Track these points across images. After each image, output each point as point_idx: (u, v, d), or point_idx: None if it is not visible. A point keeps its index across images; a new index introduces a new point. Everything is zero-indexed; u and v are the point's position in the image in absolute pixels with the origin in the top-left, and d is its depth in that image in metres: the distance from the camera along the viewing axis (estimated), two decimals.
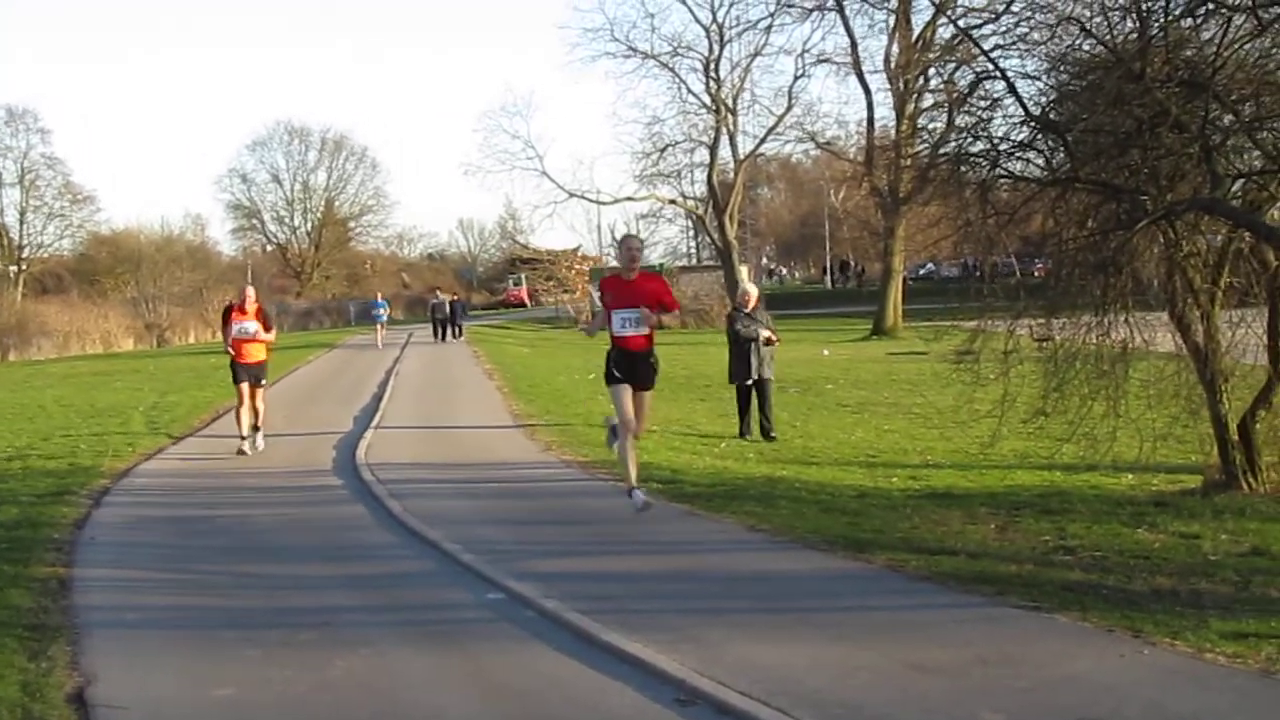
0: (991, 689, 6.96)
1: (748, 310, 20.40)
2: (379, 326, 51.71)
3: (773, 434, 19.81)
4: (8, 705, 7.27)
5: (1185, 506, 12.15)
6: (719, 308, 60.83)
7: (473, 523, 12.92)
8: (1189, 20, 11.95)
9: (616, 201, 70.27)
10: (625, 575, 10.41)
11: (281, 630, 8.85)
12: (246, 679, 7.70)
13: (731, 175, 66.72)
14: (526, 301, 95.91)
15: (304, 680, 7.66)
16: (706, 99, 63.58)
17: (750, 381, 20.04)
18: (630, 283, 13.09)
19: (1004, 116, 13.47)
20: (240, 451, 18.95)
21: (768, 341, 20.15)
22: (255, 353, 19.62)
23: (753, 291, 21.26)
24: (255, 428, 19.52)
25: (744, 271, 64.99)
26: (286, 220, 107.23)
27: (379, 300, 54.89)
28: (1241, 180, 12.36)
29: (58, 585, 10.49)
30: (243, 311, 19.61)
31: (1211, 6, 11.60)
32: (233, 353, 19.42)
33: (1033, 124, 12.85)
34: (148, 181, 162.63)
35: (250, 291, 20.05)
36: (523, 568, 10.36)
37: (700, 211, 72.16)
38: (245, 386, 19.35)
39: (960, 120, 14.50)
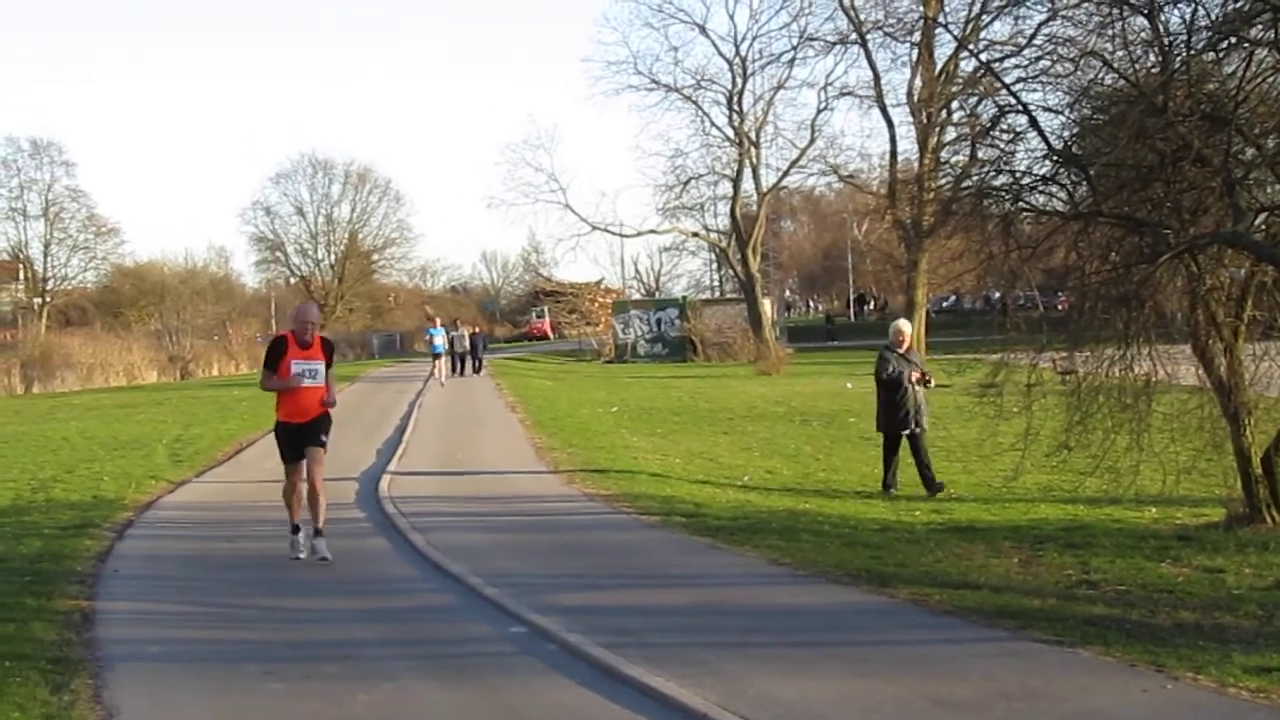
0: None
1: (901, 351, 17.57)
2: (438, 359, 44.18)
3: (939, 484, 17.03)
4: None
5: (1209, 540, 12.11)
6: (742, 340, 60.74)
7: (495, 556, 12.93)
8: (1211, 54, 11.98)
9: (640, 234, 70.51)
10: (648, 609, 10.41)
11: (304, 664, 8.87)
12: (269, 713, 7.71)
13: (754, 208, 66.66)
14: (550, 334, 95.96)
15: (326, 714, 7.66)
16: (729, 132, 63.68)
17: (905, 432, 17.30)
18: None
19: (1026, 150, 13.54)
20: (295, 557, 13.09)
21: (923, 383, 17.43)
22: (316, 404, 13.26)
23: (907, 330, 18.19)
24: (317, 532, 13.03)
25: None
26: (310, 253, 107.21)
27: (437, 327, 46.28)
28: (1265, 214, 12.37)
29: (80, 618, 10.51)
30: (303, 347, 13.20)
31: (1234, 41, 11.63)
32: (296, 383, 13.13)
33: (1055, 158, 12.88)
34: (172, 214, 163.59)
35: (313, 315, 13.63)
36: (545, 601, 10.36)
37: (723, 244, 72.15)
38: (303, 463, 13.20)
39: (983, 154, 14.57)
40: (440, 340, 45.06)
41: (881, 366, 17.49)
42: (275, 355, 13.31)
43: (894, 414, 17.29)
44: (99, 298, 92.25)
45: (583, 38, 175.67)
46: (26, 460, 24.14)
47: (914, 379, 17.25)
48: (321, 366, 13.23)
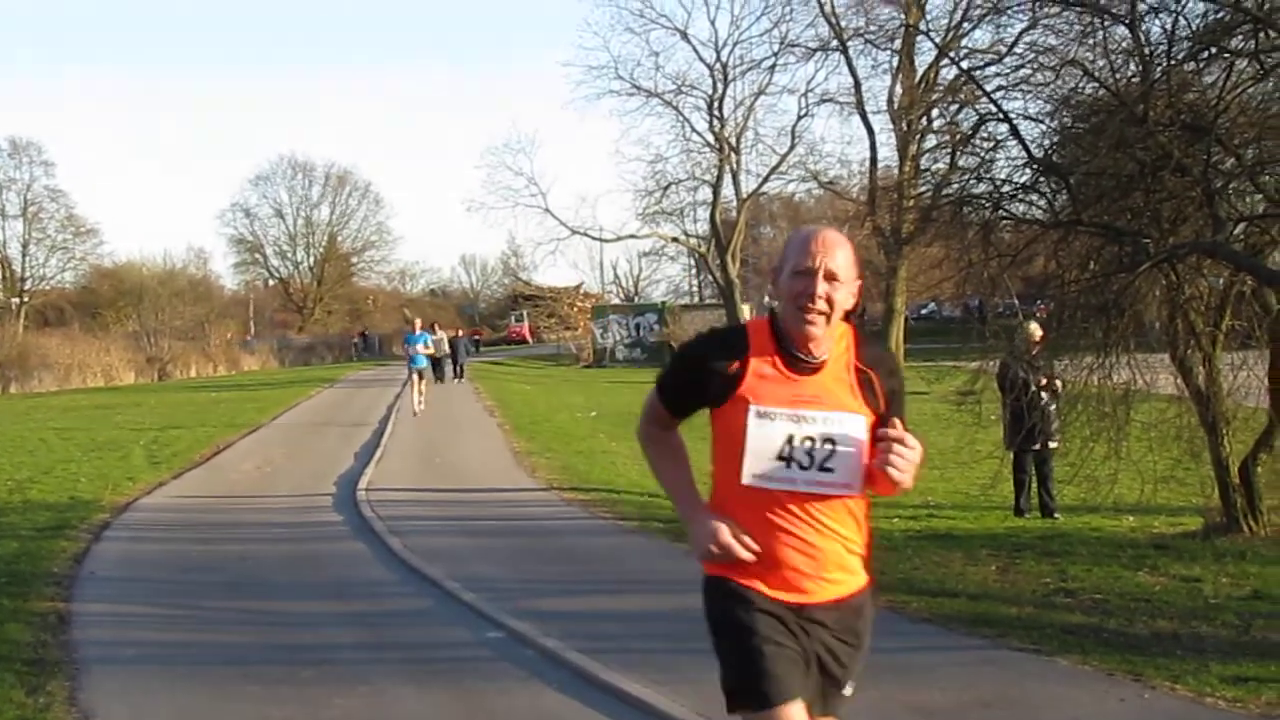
0: None
1: (1030, 358, 14.63)
2: (415, 375, 32.13)
3: (1056, 512, 15.01)
4: None
5: (1186, 549, 12.12)
6: None
7: (473, 560, 12.90)
8: (1192, 64, 12.00)
9: (619, 239, 70.32)
10: (625, 614, 10.40)
11: (280, 667, 8.84)
12: (245, 717, 7.68)
13: (734, 213, 66.61)
14: (528, 338, 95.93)
15: (302, 718, 7.64)
16: (710, 137, 63.64)
17: (1036, 448, 14.93)
18: None
19: (1007, 158, 13.53)
20: None
21: (1053, 392, 14.63)
22: (824, 543, 4.30)
23: (1038, 333, 14.63)
24: None
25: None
26: (289, 255, 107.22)
27: (417, 334, 33.22)
28: (1243, 224, 12.39)
29: (56, 620, 10.48)
30: (795, 368, 4.26)
31: (1214, 51, 11.65)
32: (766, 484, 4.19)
33: (1035, 166, 12.89)
34: (150, 215, 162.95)
35: (843, 260, 4.28)
36: (523, 606, 10.34)
37: (703, 250, 72.05)
38: None
39: (963, 161, 14.53)
40: (423, 350, 32.71)
41: (1006, 374, 14.67)
42: (693, 378, 4.40)
43: (1020, 428, 14.67)
44: (77, 298, 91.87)
45: (564, 42, 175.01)
46: (3, 461, 24.06)
47: (1041, 385, 14.64)
48: (863, 427, 4.30)
